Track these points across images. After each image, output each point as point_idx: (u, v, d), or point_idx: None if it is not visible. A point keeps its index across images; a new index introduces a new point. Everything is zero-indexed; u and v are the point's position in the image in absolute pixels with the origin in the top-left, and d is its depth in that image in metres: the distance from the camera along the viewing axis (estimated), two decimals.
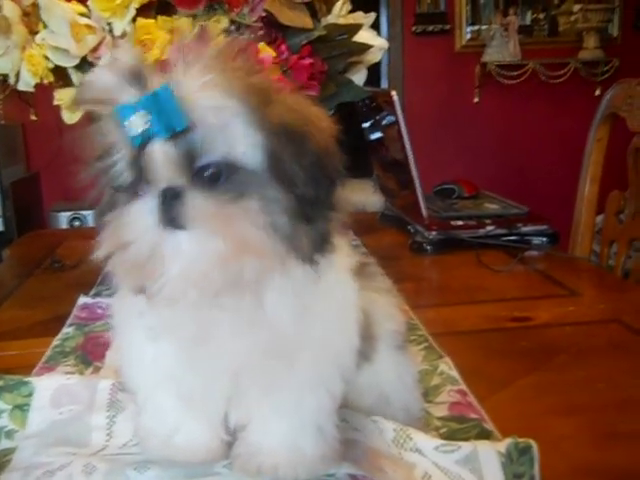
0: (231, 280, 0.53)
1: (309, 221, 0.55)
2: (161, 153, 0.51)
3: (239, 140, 0.52)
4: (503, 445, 0.68)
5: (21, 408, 0.78)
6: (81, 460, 0.65)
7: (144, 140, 0.51)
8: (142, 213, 0.52)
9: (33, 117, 3.25)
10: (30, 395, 0.79)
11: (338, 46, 1.31)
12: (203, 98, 0.51)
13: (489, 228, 1.65)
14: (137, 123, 0.51)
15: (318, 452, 0.62)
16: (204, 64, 0.53)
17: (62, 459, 0.65)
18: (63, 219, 3.68)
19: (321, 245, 0.56)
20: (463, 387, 0.87)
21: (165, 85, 0.51)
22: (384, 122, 1.82)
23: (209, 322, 0.58)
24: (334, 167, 0.57)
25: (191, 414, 0.65)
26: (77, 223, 3.64)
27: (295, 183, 0.54)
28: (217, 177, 0.52)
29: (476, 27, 4.31)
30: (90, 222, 3.64)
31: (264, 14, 1.21)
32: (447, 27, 4.27)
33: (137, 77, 0.52)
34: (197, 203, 0.51)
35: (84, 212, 3.65)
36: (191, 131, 0.51)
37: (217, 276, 0.52)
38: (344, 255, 0.63)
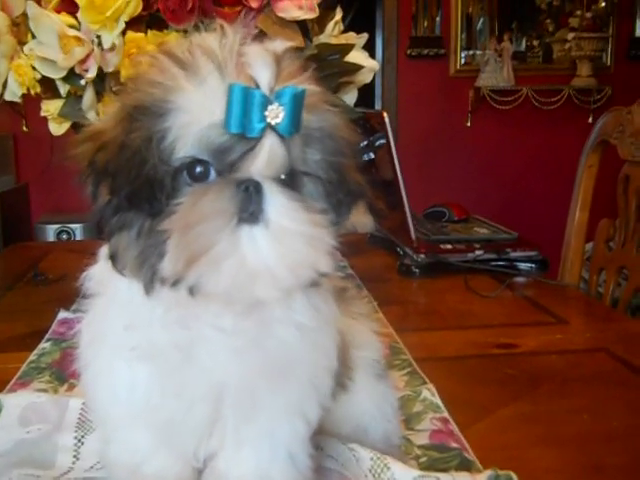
0: (295, 284, 0.53)
1: None
2: (272, 149, 0.51)
3: (324, 152, 0.54)
4: (483, 477, 0.67)
5: None
6: None
7: (259, 133, 0.50)
8: (219, 203, 0.50)
9: (24, 128, 3.23)
10: None
11: (329, 66, 1.30)
12: (321, 110, 0.54)
13: (478, 253, 1.64)
14: (274, 114, 0.50)
15: None
16: (307, 75, 0.54)
17: None
18: (50, 231, 3.64)
19: None
20: (445, 415, 0.85)
21: (302, 88, 0.51)
22: (376, 143, 1.81)
23: (200, 342, 0.56)
24: (361, 185, 0.58)
25: (164, 444, 0.62)
26: (65, 236, 3.61)
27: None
28: (293, 180, 0.53)
29: (471, 52, 4.34)
30: (78, 235, 3.61)
31: (256, 31, 1.21)
32: (442, 51, 4.30)
33: (270, 67, 0.52)
34: (280, 200, 0.51)
35: (72, 225, 3.62)
36: (297, 136, 0.52)
37: (287, 277, 0.52)
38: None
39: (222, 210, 0.50)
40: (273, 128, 0.50)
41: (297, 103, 0.51)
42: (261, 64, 0.51)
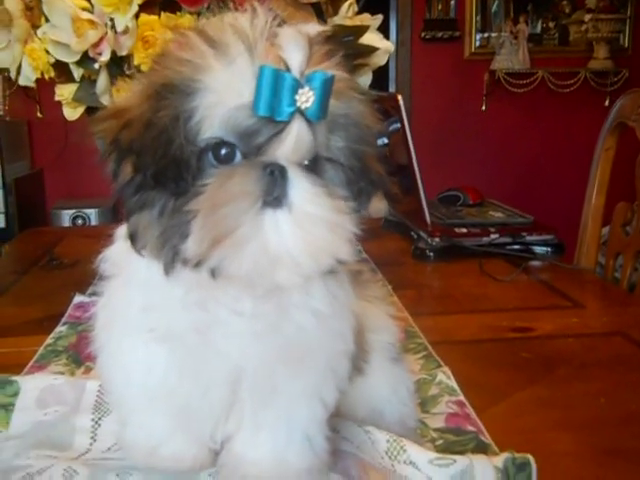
0: (316, 270, 0.53)
1: None
2: (299, 134, 0.51)
3: (348, 139, 0.54)
4: (500, 460, 0.66)
5: (5, 408, 0.76)
6: (62, 464, 0.63)
7: (287, 117, 0.50)
8: (245, 186, 0.50)
9: (39, 114, 3.25)
10: (15, 395, 0.77)
11: (344, 47, 1.29)
12: (347, 97, 0.53)
13: (493, 236, 1.63)
14: (304, 98, 0.50)
15: (305, 464, 0.60)
16: (335, 60, 0.53)
17: (42, 462, 0.63)
18: (65, 217, 3.65)
19: None
20: (461, 398, 0.85)
21: (332, 74, 0.51)
22: (390, 128, 1.80)
23: (219, 325, 0.56)
24: (382, 175, 0.58)
25: (180, 427, 0.62)
26: (80, 221, 3.62)
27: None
28: (316, 166, 0.53)
29: (486, 34, 4.29)
30: (93, 220, 3.62)
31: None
32: (457, 34, 4.26)
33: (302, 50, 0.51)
34: (304, 185, 0.51)
35: (87, 210, 3.63)
36: (323, 122, 0.52)
37: (309, 263, 0.52)
38: None
39: (248, 193, 0.50)
40: (302, 113, 0.50)
41: (326, 88, 0.50)
42: (294, 47, 0.51)
